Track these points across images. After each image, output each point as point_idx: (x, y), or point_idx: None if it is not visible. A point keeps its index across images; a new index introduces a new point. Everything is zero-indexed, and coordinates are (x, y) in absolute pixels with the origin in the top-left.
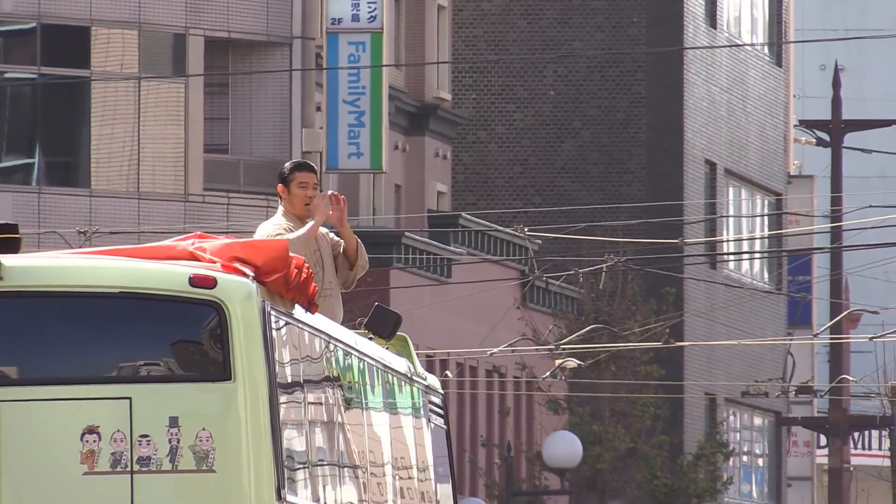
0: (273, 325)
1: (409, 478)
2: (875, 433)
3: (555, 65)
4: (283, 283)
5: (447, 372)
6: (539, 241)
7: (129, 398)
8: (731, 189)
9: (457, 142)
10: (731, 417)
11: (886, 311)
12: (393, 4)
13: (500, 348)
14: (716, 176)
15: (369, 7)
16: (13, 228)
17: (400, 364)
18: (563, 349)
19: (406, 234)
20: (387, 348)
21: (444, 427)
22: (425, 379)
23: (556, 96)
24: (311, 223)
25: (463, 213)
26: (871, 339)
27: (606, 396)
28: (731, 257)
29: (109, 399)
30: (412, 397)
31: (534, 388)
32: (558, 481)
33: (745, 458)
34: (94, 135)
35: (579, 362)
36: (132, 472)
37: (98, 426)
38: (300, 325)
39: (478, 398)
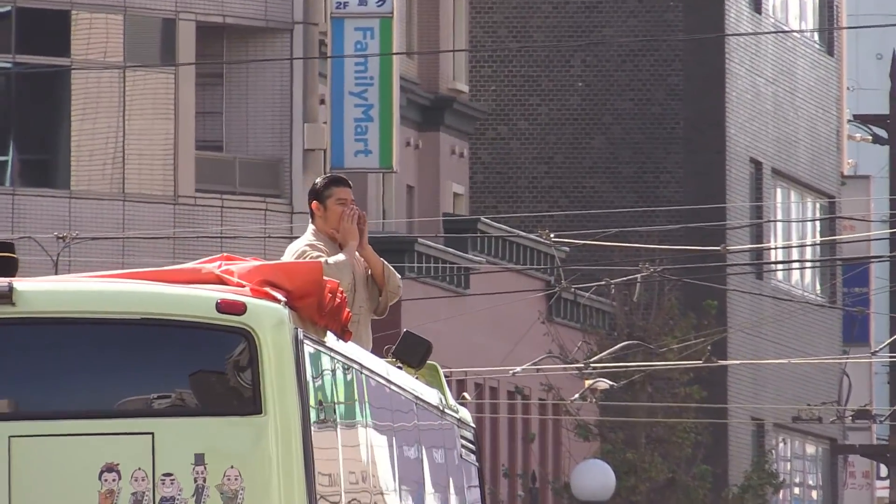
0: (306, 355)
1: None
2: None
3: (583, 53)
4: (316, 309)
5: (464, 394)
6: (566, 249)
7: (152, 433)
8: (778, 191)
9: (475, 138)
10: (781, 445)
11: None
12: None
13: (523, 367)
14: (762, 176)
15: None
16: (9, 247)
17: (431, 396)
18: (594, 368)
19: (419, 240)
20: (416, 378)
21: (476, 464)
22: (457, 412)
23: (584, 88)
24: (348, 248)
25: (482, 217)
26: None
27: (642, 421)
28: (780, 266)
29: (130, 434)
30: (444, 432)
31: (561, 412)
32: None
33: (796, 491)
34: (75, 130)
35: (611, 383)
36: None
37: (118, 464)
38: (333, 355)
39: (499, 423)
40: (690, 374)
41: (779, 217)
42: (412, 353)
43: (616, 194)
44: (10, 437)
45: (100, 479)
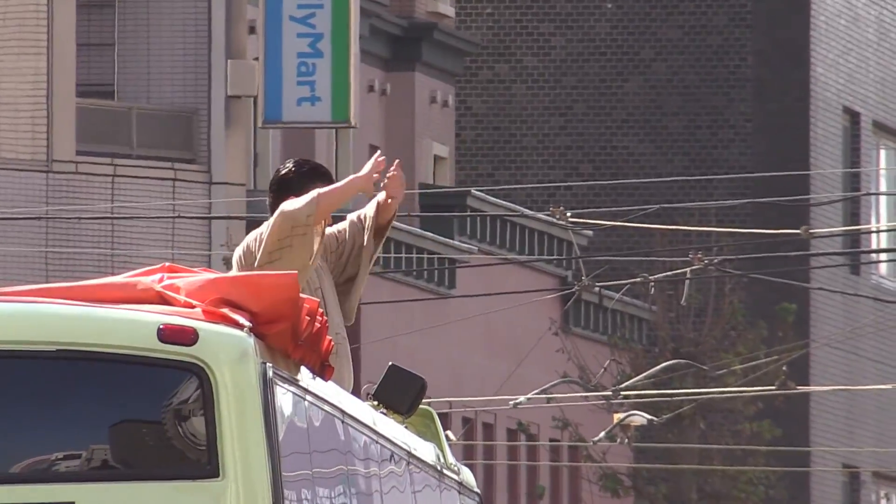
0: (277, 397)
1: None
2: None
3: None
4: (290, 337)
5: (447, 432)
6: (589, 233)
7: (73, 503)
8: (882, 151)
9: (464, 80)
10: (884, 501)
11: None
12: None
13: (529, 395)
14: (860, 132)
15: None
16: None
17: (427, 452)
18: (626, 397)
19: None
20: (405, 426)
21: None
22: (458, 472)
23: (615, 11)
24: (346, 182)
25: (473, 190)
26: None
27: (693, 469)
28: (883, 256)
29: (57, 495)
30: (441, 498)
31: (581, 457)
32: None
33: None
34: None
35: (651, 417)
36: None
37: None
38: (309, 398)
39: (495, 471)
40: (759, 404)
41: (882, 188)
42: (400, 396)
43: (659, 157)
44: None
45: None
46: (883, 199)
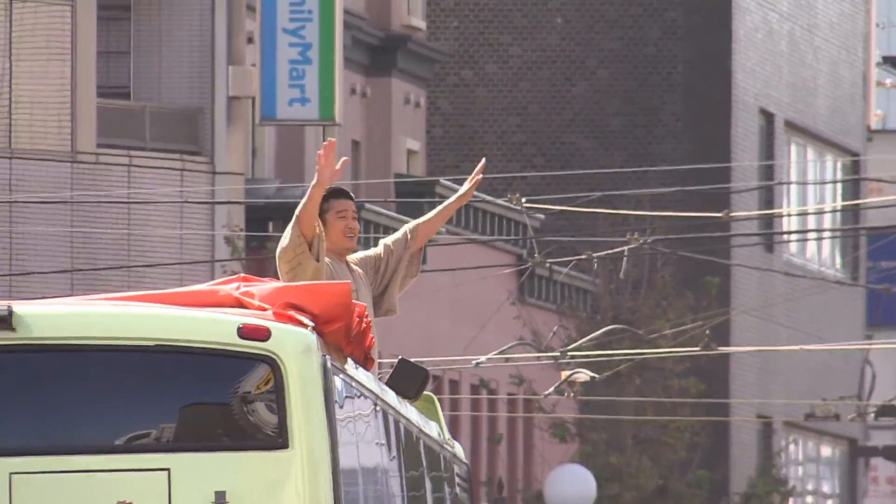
0: (335, 384)
1: None
2: None
3: None
4: (344, 335)
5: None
6: (541, 216)
7: (168, 469)
8: (793, 147)
9: (433, 85)
10: (792, 446)
11: None
12: None
13: (489, 356)
14: (774, 130)
15: None
16: None
17: (432, 429)
18: (572, 357)
19: (366, 205)
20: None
21: (469, 503)
22: (452, 446)
23: (564, 25)
24: (314, 184)
25: (441, 179)
26: None
27: (629, 419)
28: (793, 237)
29: (144, 471)
30: (443, 468)
31: (534, 409)
32: None
33: (809, 500)
34: None
35: (593, 375)
36: None
37: (132, 503)
38: (356, 385)
39: (460, 421)
40: (686, 363)
41: (793, 178)
42: (408, 383)
43: (601, 152)
44: (10, 473)
45: None
46: (793, 187)
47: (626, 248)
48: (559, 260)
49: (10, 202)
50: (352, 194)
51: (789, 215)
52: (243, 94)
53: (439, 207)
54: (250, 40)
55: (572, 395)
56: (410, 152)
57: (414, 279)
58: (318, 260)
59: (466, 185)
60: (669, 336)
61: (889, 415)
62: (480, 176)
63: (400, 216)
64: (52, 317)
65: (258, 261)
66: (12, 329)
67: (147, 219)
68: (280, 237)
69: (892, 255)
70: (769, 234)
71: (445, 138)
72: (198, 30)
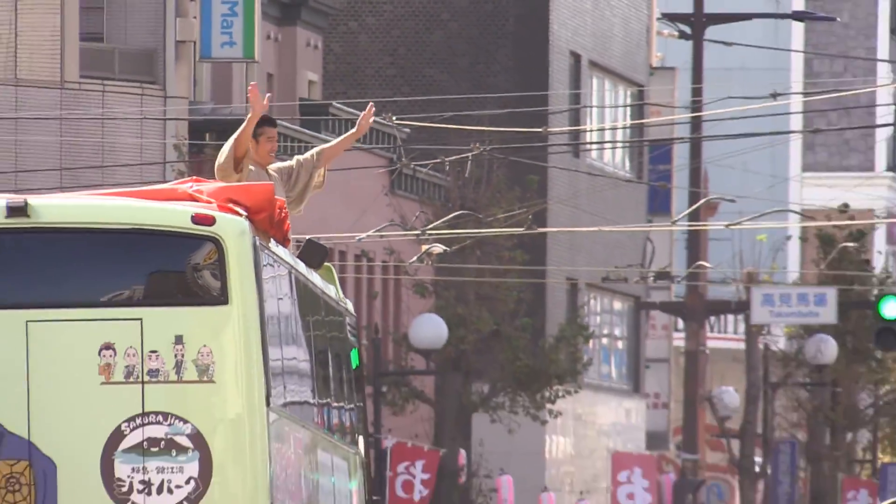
0: (261, 258)
1: (341, 379)
2: (731, 318)
3: None
4: (268, 222)
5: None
6: (407, 130)
7: (141, 319)
8: (594, 80)
9: (328, 32)
10: (592, 301)
11: (743, 200)
12: None
13: (368, 234)
14: (580, 67)
15: None
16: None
17: (331, 290)
18: (430, 235)
19: (278, 122)
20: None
21: (356, 344)
22: (345, 302)
23: None
24: (249, 117)
25: (333, 103)
26: (727, 226)
27: (471, 281)
28: (594, 146)
29: (123, 320)
30: (337, 316)
31: (401, 273)
32: (424, 362)
33: (604, 341)
34: None
35: (445, 248)
36: (143, 383)
37: (114, 343)
38: (276, 258)
39: (347, 282)
40: (514, 240)
41: (594, 103)
42: (312, 257)
43: (452, 83)
44: (27, 321)
45: (99, 354)
46: (594, 110)
47: (470, 153)
48: (421, 163)
49: (16, 118)
50: (276, 122)
51: (591, 130)
52: (187, 39)
53: (340, 138)
54: None
55: (430, 262)
56: (311, 83)
57: (320, 189)
58: (239, 172)
59: (360, 123)
60: (502, 219)
61: (664, 279)
62: (372, 118)
63: (303, 129)
64: (57, 207)
65: (197, 163)
66: (27, 216)
67: (116, 132)
68: (216, 147)
69: (666, 161)
70: (576, 144)
71: (337, 73)
72: None
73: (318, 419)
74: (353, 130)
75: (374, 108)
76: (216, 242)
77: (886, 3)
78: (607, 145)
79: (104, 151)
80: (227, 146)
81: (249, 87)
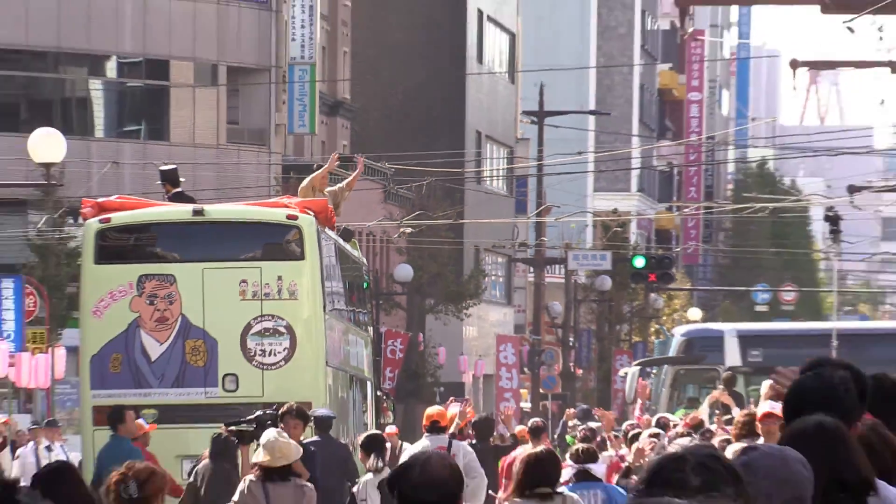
0: (321, 237)
1: (359, 297)
2: (558, 266)
3: None
4: (324, 219)
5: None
6: (393, 169)
7: (260, 267)
8: (488, 145)
9: (352, 119)
10: (487, 258)
11: (565, 206)
12: None
13: (372, 223)
14: (481, 138)
15: None
16: (174, 173)
17: (355, 253)
18: (404, 223)
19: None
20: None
21: (366, 278)
22: (362, 259)
23: None
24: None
25: (355, 156)
26: (557, 219)
27: (426, 247)
28: (487, 177)
29: (251, 268)
30: (358, 265)
31: (389, 243)
32: (401, 288)
33: (493, 278)
34: None
35: (412, 229)
36: (261, 300)
37: (246, 279)
38: (327, 237)
39: (363, 248)
40: (448, 226)
41: (488, 157)
42: (345, 236)
43: (415, 144)
44: (203, 269)
45: (238, 285)
46: (489, 161)
47: (424, 183)
48: (399, 186)
49: (193, 164)
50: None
51: (486, 170)
52: (281, 122)
53: (351, 176)
54: None
55: (404, 237)
56: (343, 146)
57: (346, 200)
58: (313, 194)
59: (358, 169)
60: (441, 216)
61: (523, 246)
62: (363, 165)
63: (339, 170)
64: (217, 210)
65: (286, 186)
66: (203, 215)
67: (245, 170)
68: (298, 179)
69: (524, 185)
70: (479, 178)
71: (356, 140)
72: None
73: (348, 317)
74: (356, 172)
75: (363, 159)
76: (298, 229)
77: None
78: (495, 178)
79: (240, 181)
80: (308, 180)
81: (333, 155)
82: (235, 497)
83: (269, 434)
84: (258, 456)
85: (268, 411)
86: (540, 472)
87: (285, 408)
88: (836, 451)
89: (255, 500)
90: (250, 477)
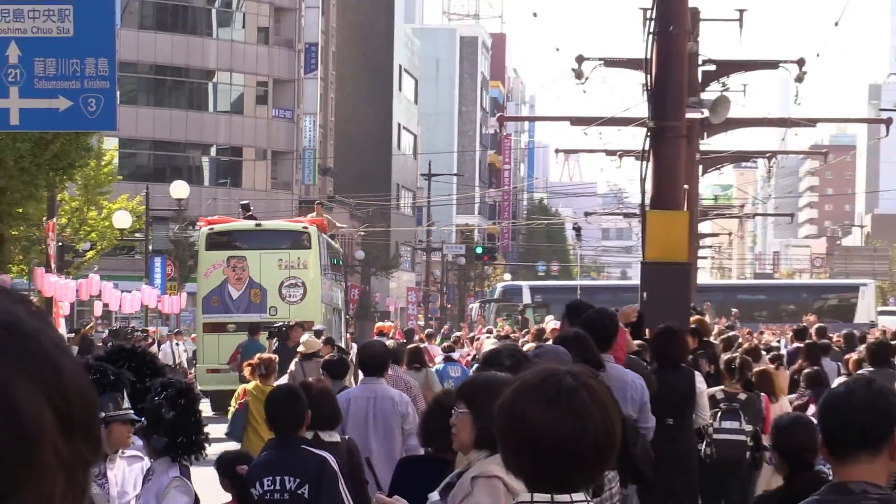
0: (321, 238)
1: (338, 266)
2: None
3: None
4: (323, 229)
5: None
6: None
7: (289, 253)
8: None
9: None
10: (403, 249)
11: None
12: None
13: (342, 227)
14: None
15: None
16: (247, 207)
17: (336, 244)
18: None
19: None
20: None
21: (340, 257)
22: (339, 248)
23: None
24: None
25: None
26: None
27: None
28: (398, 206)
29: (284, 253)
30: (337, 251)
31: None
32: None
33: (403, 258)
34: None
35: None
36: (289, 269)
37: (281, 259)
38: (323, 237)
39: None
40: (382, 232)
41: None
42: (332, 236)
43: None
44: (260, 254)
45: (277, 262)
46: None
47: (370, 211)
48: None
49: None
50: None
51: (399, 199)
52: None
53: (334, 223)
54: None
55: (359, 238)
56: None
57: (333, 230)
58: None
59: (335, 221)
60: (376, 225)
61: (427, 246)
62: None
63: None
64: (269, 224)
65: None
66: (260, 226)
67: (283, 200)
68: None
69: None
70: (395, 204)
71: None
72: None
73: (332, 277)
74: (335, 221)
75: (323, 211)
76: (308, 233)
77: None
78: (406, 207)
79: (278, 209)
80: (313, 215)
81: (316, 205)
82: (290, 369)
83: (304, 336)
84: (300, 347)
85: (287, 323)
86: (416, 353)
87: (293, 322)
88: (584, 347)
89: (297, 372)
90: (295, 360)
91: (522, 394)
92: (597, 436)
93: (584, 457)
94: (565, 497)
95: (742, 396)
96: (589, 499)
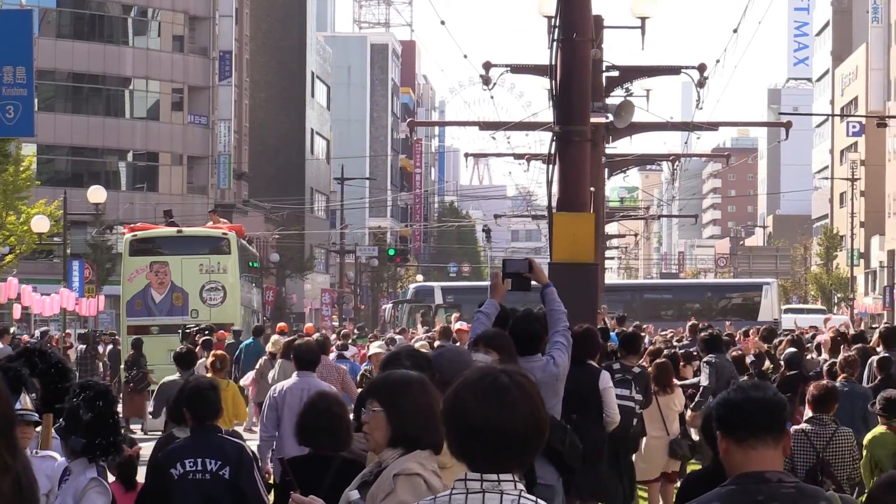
0: (240, 244)
1: (254, 268)
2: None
3: None
4: (241, 235)
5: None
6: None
7: (209, 258)
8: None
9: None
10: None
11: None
12: None
13: (260, 232)
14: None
15: None
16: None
17: (252, 248)
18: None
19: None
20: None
21: (256, 260)
22: (255, 251)
23: None
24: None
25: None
26: (379, 226)
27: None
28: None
29: (205, 258)
30: (253, 253)
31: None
32: (276, 268)
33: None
34: None
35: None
36: (209, 274)
37: (202, 264)
38: (242, 242)
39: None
40: (327, 235)
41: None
42: (248, 241)
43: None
44: (181, 259)
45: (199, 267)
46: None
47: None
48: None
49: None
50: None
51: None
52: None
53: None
54: None
55: (275, 243)
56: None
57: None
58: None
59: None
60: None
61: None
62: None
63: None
64: (192, 230)
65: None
66: (181, 233)
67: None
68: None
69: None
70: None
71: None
72: None
73: (249, 280)
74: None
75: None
76: (228, 239)
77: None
78: (319, 210)
79: (195, 215)
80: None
81: (211, 214)
82: (259, 364)
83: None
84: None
85: (207, 326)
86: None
87: (211, 325)
88: (508, 344)
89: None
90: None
91: (463, 389)
92: (525, 426)
93: (514, 444)
94: (493, 476)
95: (636, 370)
96: (517, 479)
